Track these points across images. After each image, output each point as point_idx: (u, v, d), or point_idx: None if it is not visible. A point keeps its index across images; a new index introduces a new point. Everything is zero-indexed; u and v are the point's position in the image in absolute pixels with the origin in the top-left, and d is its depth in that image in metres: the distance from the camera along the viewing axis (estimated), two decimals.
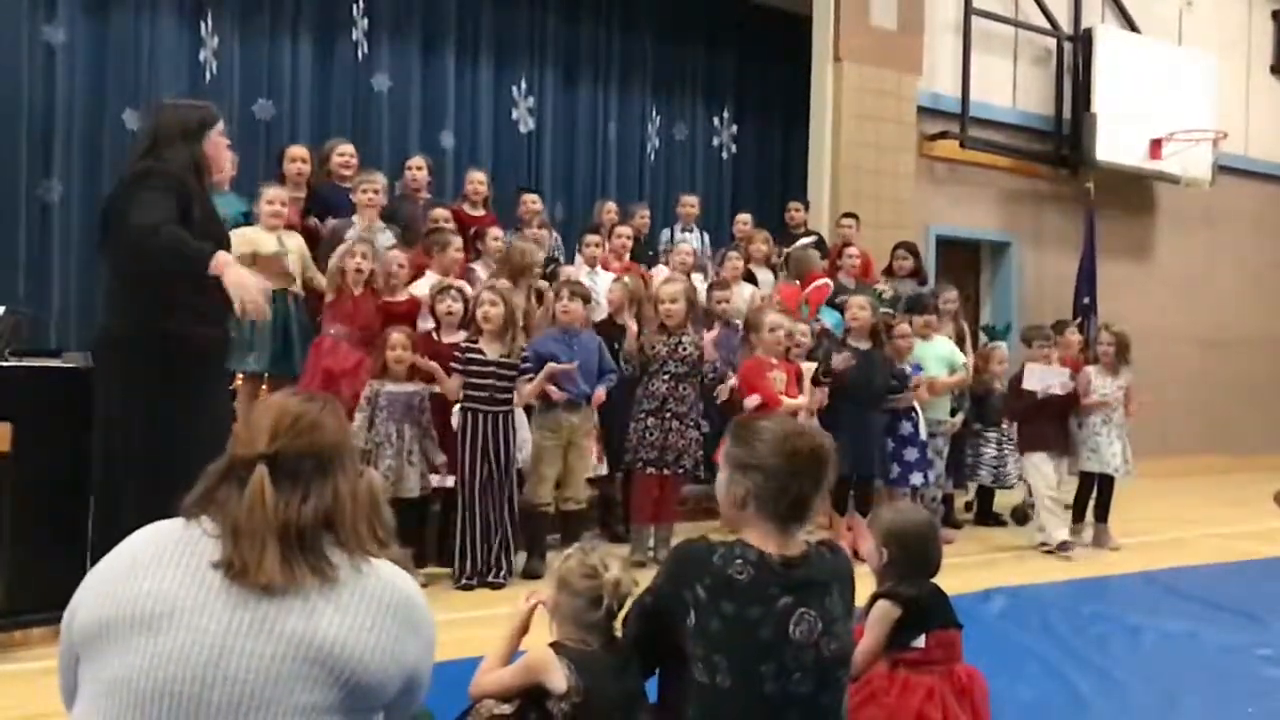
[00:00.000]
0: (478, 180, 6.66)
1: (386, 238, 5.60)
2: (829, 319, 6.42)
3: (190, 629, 1.37)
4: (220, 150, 3.52)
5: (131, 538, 1.50)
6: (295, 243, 5.37)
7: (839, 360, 5.56)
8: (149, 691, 1.34)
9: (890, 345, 5.88)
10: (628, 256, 6.72)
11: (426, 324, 5.19)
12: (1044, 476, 5.94)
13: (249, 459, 1.50)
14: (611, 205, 7.28)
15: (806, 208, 7.94)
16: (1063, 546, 5.80)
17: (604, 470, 5.62)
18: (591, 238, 6.49)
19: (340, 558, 1.48)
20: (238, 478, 1.49)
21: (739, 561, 1.99)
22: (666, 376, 5.20)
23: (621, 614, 2.30)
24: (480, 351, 4.77)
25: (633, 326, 5.29)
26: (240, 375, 5.18)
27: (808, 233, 7.62)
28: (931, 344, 6.25)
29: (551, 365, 4.92)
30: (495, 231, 6.09)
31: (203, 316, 3.39)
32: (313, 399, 1.62)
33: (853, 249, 7.13)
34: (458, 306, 5.03)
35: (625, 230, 6.76)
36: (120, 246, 3.28)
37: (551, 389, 5.00)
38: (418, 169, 6.41)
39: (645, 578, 2.23)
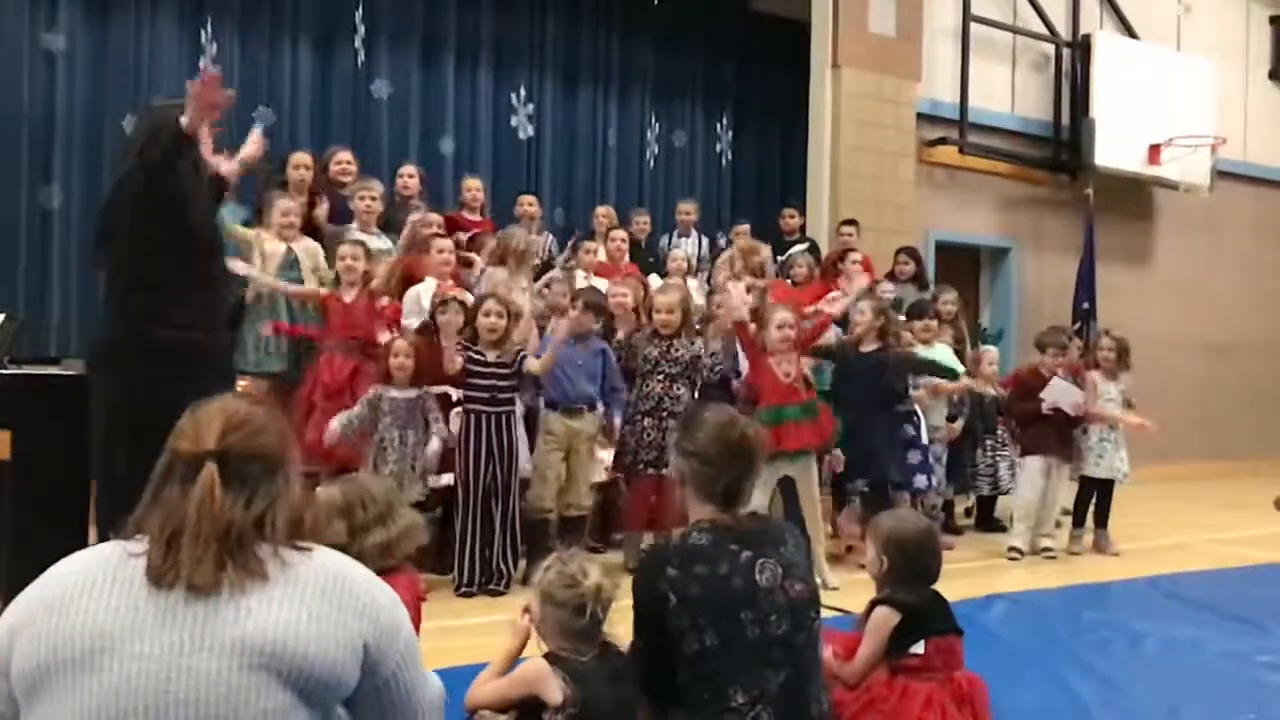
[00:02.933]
0: (475, 187, 6.70)
1: (384, 242, 5.62)
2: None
3: (132, 658, 1.34)
4: (210, 146, 3.56)
5: (56, 568, 1.46)
6: (306, 247, 5.38)
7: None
8: None
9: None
10: (626, 259, 6.72)
11: (410, 324, 5.24)
12: (1031, 484, 5.94)
13: (196, 455, 1.46)
14: (602, 210, 7.28)
15: (800, 213, 7.94)
16: (1014, 550, 5.87)
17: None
18: (589, 244, 6.51)
19: (269, 554, 1.44)
20: (180, 476, 1.46)
21: (695, 534, 2.23)
22: (661, 377, 5.27)
23: (607, 619, 2.32)
24: (480, 353, 4.79)
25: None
26: (250, 376, 5.21)
27: (802, 238, 7.63)
28: (931, 350, 6.24)
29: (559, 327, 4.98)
30: (489, 242, 6.07)
31: (202, 321, 3.41)
32: (258, 405, 1.60)
33: (855, 254, 7.14)
34: (459, 319, 5.05)
35: (620, 234, 6.76)
36: (118, 236, 3.31)
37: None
38: (409, 177, 6.41)
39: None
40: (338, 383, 4.95)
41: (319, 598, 1.43)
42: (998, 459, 6.52)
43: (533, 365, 4.91)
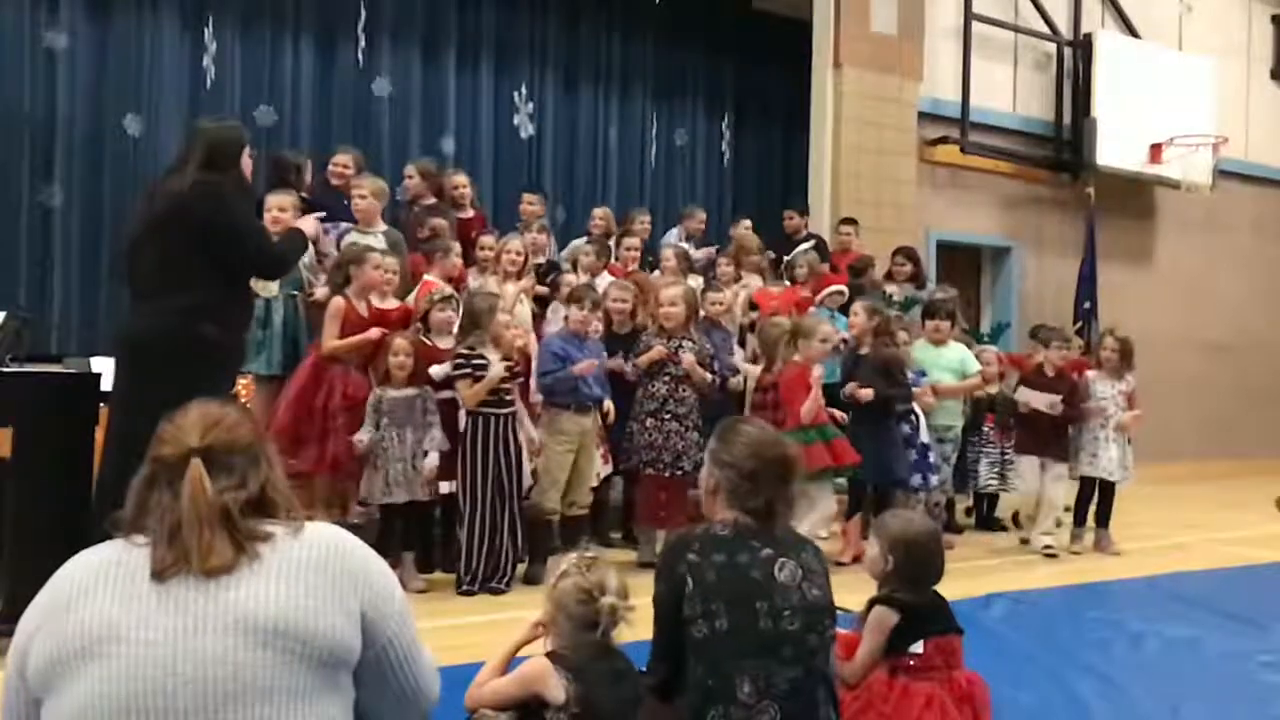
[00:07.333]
0: (462, 184, 6.67)
1: (379, 241, 5.58)
2: (840, 325, 6.42)
3: (137, 644, 1.38)
4: (248, 166, 3.87)
5: (62, 570, 1.50)
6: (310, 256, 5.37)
7: (850, 389, 5.54)
8: (113, 712, 1.35)
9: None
10: (635, 265, 6.70)
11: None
12: (1027, 483, 6.14)
13: (180, 456, 1.51)
14: (599, 212, 7.24)
15: (801, 213, 7.91)
16: (1047, 549, 5.95)
17: (608, 470, 5.59)
18: (588, 247, 6.51)
19: (264, 534, 1.49)
20: (166, 479, 1.51)
21: (719, 526, 2.24)
22: (666, 378, 5.28)
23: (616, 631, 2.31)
24: (483, 356, 4.78)
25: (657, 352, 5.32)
26: (250, 377, 5.20)
27: (808, 237, 7.62)
28: (943, 350, 6.13)
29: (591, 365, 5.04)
30: (487, 240, 6.03)
31: (231, 324, 3.64)
32: (227, 405, 1.67)
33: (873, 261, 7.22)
34: (455, 317, 5.05)
35: (634, 242, 6.74)
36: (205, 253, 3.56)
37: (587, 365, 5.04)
38: (408, 177, 6.49)
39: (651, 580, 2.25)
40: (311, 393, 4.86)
41: (314, 571, 1.48)
42: (1006, 458, 6.52)
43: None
